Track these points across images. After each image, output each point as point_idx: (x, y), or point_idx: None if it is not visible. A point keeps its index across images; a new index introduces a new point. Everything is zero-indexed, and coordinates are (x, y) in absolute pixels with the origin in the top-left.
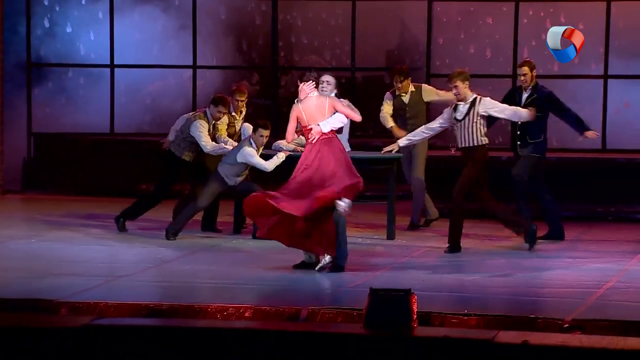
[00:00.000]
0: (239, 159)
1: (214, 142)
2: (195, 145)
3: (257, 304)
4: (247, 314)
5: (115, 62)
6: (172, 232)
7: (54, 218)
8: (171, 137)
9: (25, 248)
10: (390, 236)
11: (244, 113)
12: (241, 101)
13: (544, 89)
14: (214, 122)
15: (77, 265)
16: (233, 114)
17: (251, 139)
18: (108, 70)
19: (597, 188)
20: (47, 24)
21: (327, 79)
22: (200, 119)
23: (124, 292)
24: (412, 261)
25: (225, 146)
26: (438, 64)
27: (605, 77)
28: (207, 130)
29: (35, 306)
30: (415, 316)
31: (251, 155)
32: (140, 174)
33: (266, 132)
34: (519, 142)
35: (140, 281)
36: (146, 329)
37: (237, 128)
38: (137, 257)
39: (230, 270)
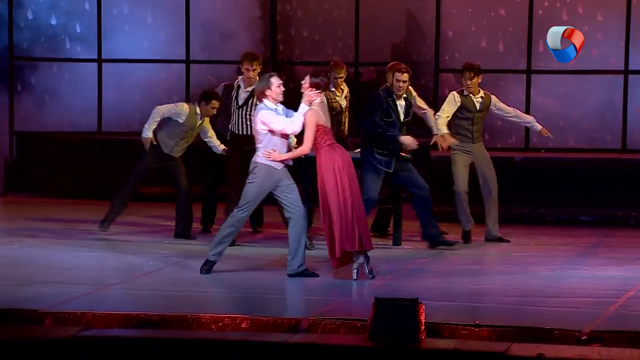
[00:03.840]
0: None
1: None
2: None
3: (255, 314)
4: (243, 325)
5: (103, 57)
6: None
7: (38, 222)
8: None
9: (7, 254)
10: (397, 242)
11: (345, 91)
12: (340, 77)
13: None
14: (206, 117)
15: (62, 273)
16: (333, 89)
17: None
18: (95, 64)
19: (617, 191)
20: (30, 16)
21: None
22: (185, 102)
23: (112, 301)
24: (419, 268)
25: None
26: (447, 59)
27: (626, 72)
28: (179, 110)
29: (17, 316)
30: (423, 327)
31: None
32: (130, 175)
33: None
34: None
35: (130, 290)
36: (136, 341)
37: (343, 105)
38: (127, 264)
39: (226, 277)
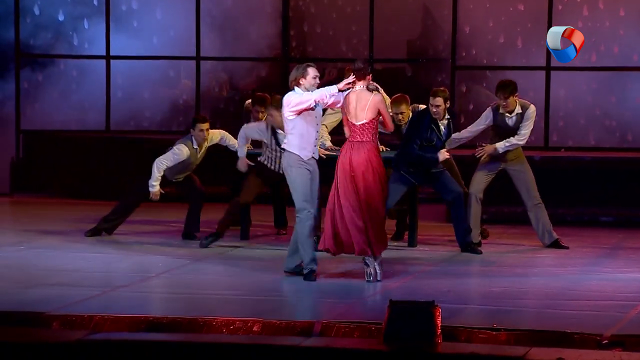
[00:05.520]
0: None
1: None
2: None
3: (267, 317)
4: (255, 328)
5: (112, 53)
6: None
7: (45, 223)
8: None
9: (14, 255)
10: (412, 243)
11: None
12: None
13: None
14: (202, 144)
15: (70, 275)
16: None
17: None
18: (103, 61)
19: (639, 191)
20: (37, 11)
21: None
22: (181, 143)
23: (121, 304)
24: (435, 270)
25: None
26: (464, 55)
27: None
28: (181, 156)
29: (24, 319)
30: (439, 331)
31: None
32: (139, 175)
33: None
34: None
35: (139, 292)
36: (146, 344)
37: None
38: (136, 266)
39: (237, 279)
